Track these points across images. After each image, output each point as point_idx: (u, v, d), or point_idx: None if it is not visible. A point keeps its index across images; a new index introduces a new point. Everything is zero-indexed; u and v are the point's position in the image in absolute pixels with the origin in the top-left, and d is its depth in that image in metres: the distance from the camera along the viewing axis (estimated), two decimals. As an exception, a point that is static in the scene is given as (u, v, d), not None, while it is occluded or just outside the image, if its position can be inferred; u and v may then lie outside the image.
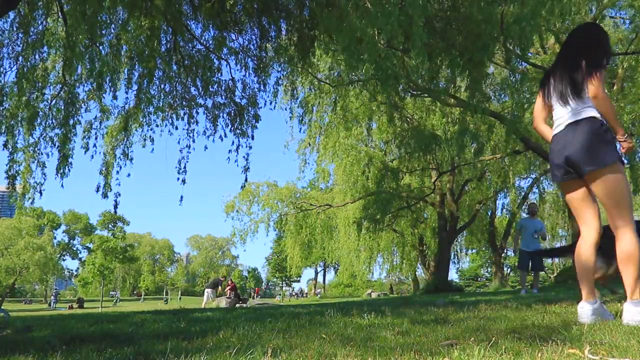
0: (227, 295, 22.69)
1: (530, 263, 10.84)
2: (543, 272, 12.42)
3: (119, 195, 10.21)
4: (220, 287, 22.35)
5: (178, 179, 10.34)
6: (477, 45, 8.14)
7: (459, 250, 34.37)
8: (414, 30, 6.71)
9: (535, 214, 11.48)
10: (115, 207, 10.39)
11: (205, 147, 10.59)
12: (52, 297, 51.27)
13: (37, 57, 8.90)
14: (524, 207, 27.63)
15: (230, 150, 10.31)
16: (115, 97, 9.61)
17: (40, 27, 8.62)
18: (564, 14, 10.64)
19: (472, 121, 13.99)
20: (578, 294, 3.89)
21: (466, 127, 12.34)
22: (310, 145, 21.51)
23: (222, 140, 10.48)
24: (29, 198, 9.97)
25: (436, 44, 8.37)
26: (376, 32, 7.04)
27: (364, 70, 8.03)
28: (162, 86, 10.04)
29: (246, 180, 10.63)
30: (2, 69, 8.75)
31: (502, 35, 8.73)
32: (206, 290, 21.11)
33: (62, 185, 9.56)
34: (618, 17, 15.95)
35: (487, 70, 9.74)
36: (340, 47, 7.65)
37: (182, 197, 10.83)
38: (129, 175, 10.60)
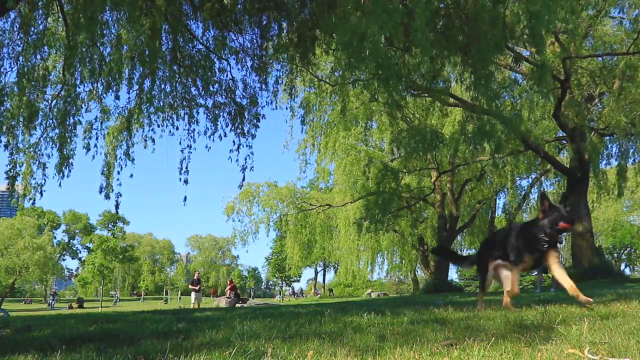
0: (227, 295, 22.66)
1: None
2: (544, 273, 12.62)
3: (120, 195, 10.21)
4: (201, 283, 22.40)
5: (180, 179, 10.32)
6: (481, 44, 8.09)
7: (459, 251, 34.37)
8: (417, 25, 6.66)
9: None
10: (117, 207, 10.39)
11: (208, 148, 10.49)
12: (51, 297, 51.09)
13: (37, 57, 8.90)
14: (524, 206, 27.62)
15: (231, 150, 10.31)
16: (117, 97, 9.57)
17: (41, 27, 8.61)
18: (574, 12, 10.59)
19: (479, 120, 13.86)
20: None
21: (483, 126, 12.17)
22: (310, 145, 21.54)
23: (221, 139, 10.45)
24: (30, 199, 9.97)
25: (438, 42, 8.32)
26: (376, 30, 7.00)
27: (365, 69, 7.97)
28: (163, 86, 10.03)
29: (243, 179, 10.63)
30: (2, 69, 8.74)
31: (508, 35, 8.67)
32: (193, 293, 21.10)
33: (59, 185, 9.56)
34: (618, 17, 15.94)
35: (490, 69, 9.68)
36: (341, 46, 7.62)
37: (185, 197, 10.91)
38: (131, 175, 10.55)
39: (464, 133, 16.10)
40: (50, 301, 49.38)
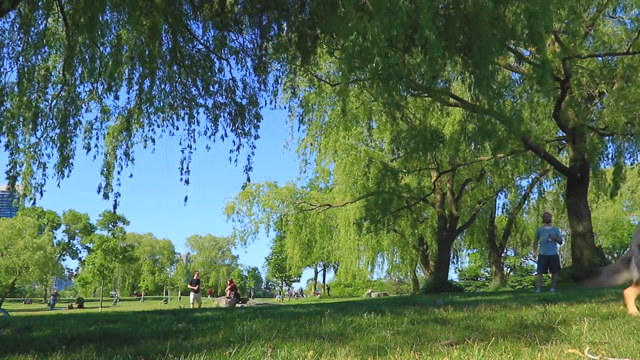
0: (227, 295, 22.68)
1: (548, 266, 11.67)
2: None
3: (119, 195, 10.20)
4: (200, 284, 22.38)
5: (181, 179, 10.31)
6: (482, 44, 8.08)
7: (458, 250, 34.40)
8: (423, 23, 6.66)
9: (549, 222, 12.13)
10: (115, 207, 10.38)
11: (208, 148, 10.49)
12: (51, 297, 51.07)
13: (38, 57, 8.90)
14: (524, 206, 27.61)
15: (231, 150, 10.30)
16: (117, 97, 9.58)
17: (41, 27, 8.62)
18: (575, 12, 10.60)
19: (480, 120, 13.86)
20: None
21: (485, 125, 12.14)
22: (310, 145, 21.54)
23: (223, 140, 10.46)
24: (31, 199, 9.98)
25: (439, 42, 8.31)
26: (382, 29, 6.97)
27: (370, 70, 7.94)
28: (163, 86, 10.03)
29: (248, 180, 10.61)
30: (2, 69, 8.75)
31: (509, 34, 8.66)
32: (191, 293, 21.12)
33: (59, 185, 9.57)
34: (618, 17, 15.93)
35: (491, 69, 9.69)
36: (344, 47, 7.62)
37: (186, 197, 10.88)
38: (131, 175, 10.52)
39: (464, 133, 16.08)
40: (51, 301, 49.38)
